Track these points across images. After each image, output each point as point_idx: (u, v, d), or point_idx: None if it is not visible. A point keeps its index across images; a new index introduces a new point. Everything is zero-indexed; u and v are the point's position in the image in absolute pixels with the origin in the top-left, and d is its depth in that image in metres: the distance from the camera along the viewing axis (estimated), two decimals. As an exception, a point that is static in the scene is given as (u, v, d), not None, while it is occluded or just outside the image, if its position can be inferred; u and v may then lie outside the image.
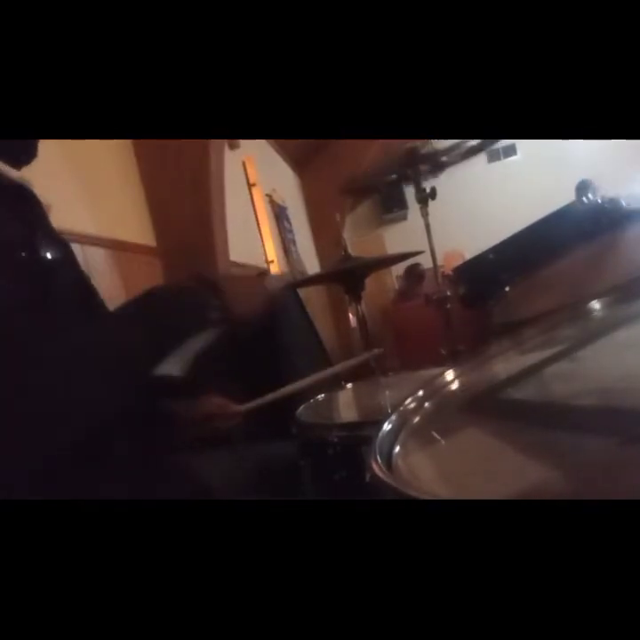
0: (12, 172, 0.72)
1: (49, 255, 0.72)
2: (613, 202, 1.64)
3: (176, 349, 0.71)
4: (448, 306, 1.82)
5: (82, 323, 0.73)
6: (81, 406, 0.63)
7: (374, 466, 0.45)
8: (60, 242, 0.77)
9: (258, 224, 3.76)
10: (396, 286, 6.72)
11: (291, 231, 4.70)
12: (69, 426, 0.63)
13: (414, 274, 5.64)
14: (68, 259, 0.79)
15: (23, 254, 0.68)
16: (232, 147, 3.19)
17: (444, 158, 1.91)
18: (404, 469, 0.49)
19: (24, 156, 0.77)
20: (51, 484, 0.62)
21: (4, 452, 0.59)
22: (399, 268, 6.09)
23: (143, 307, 0.74)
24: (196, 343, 0.73)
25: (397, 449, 0.54)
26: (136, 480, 0.78)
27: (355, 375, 1.35)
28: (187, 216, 2.39)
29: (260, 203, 3.79)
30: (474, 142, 1.85)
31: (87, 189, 1.74)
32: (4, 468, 0.58)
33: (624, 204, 1.64)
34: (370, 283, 1.37)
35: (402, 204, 7.35)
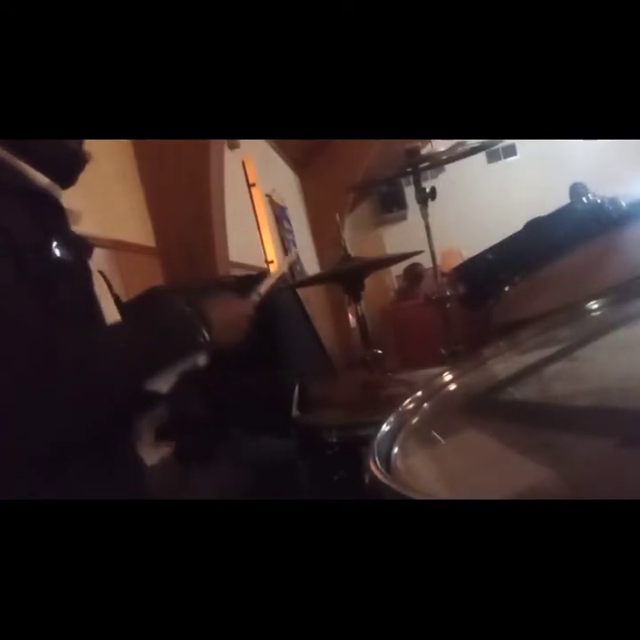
0: (41, 178, 0.75)
1: (61, 261, 0.74)
2: (613, 202, 1.64)
3: (164, 368, 0.76)
4: (448, 306, 1.82)
5: (80, 332, 0.75)
6: (69, 408, 0.66)
7: (373, 467, 0.45)
8: (75, 249, 0.79)
9: (257, 224, 3.76)
10: (396, 286, 6.72)
11: (290, 231, 4.69)
12: (58, 425, 0.65)
13: (414, 274, 5.64)
14: (79, 266, 0.81)
15: (36, 257, 0.69)
16: (232, 147, 3.19)
17: (443, 158, 1.91)
18: (403, 470, 0.49)
19: (67, 178, 0.80)
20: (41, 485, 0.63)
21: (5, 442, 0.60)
22: (399, 268, 6.09)
23: (134, 330, 0.79)
24: (184, 364, 0.78)
25: (396, 450, 0.54)
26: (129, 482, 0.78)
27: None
28: (186, 216, 2.38)
29: (259, 203, 3.78)
30: (474, 142, 1.85)
31: (87, 189, 1.74)
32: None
33: (624, 204, 1.64)
34: (370, 283, 1.36)
35: (402, 204, 7.35)
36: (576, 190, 4.73)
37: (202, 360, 0.80)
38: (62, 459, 0.65)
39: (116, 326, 0.82)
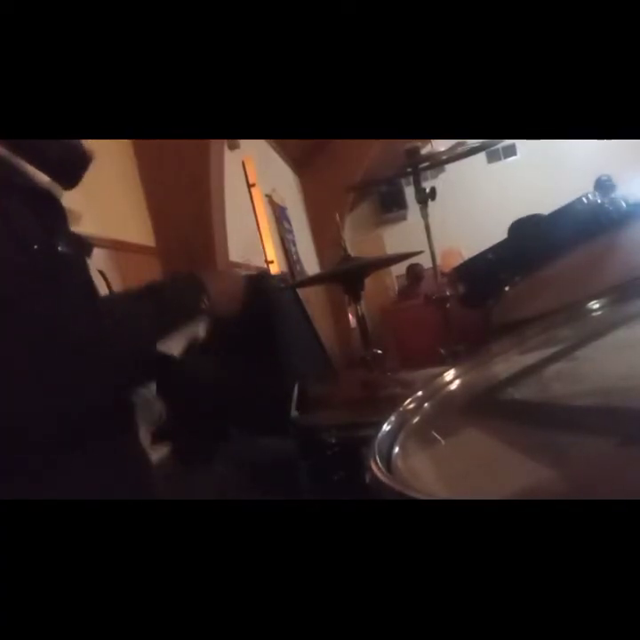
0: (43, 177, 0.76)
1: (64, 256, 0.76)
2: (613, 202, 1.64)
3: (172, 330, 0.80)
4: (448, 306, 1.82)
5: (89, 312, 0.78)
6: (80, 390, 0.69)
7: (373, 466, 0.45)
8: (76, 247, 0.81)
9: (257, 224, 3.76)
10: (396, 286, 6.72)
11: (290, 231, 4.69)
12: (71, 410, 0.67)
13: (414, 274, 5.64)
14: (81, 263, 0.83)
15: (37, 252, 0.71)
16: (232, 147, 3.19)
17: (443, 158, 1.91)
18: (404, 470, 0.49)
19: (72, 178, 0.82)
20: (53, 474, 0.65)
21: (11, 435, 0.62)
22: (399, 268, 6.09)
23: (141, 296, 0.85)
24: (190, 330, 0.83)
25: (397, 449, 0.54)
26: (132, 476, 0.79)
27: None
28: (186, 216, 2.38)
29: (259, 203, 3.78)
30: (474, 142, 1.85)
31: (87, 189, 1.74)
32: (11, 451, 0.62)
33: (624, 204, 1.64)
34: (370, 283, 1.36)
35: (402, 204, 7.36)
36: (602, 184, 4.67)
37: (203, 327, 0.84)
38: (74, 442, 0.67)
39: (120, 298, 0.87)
